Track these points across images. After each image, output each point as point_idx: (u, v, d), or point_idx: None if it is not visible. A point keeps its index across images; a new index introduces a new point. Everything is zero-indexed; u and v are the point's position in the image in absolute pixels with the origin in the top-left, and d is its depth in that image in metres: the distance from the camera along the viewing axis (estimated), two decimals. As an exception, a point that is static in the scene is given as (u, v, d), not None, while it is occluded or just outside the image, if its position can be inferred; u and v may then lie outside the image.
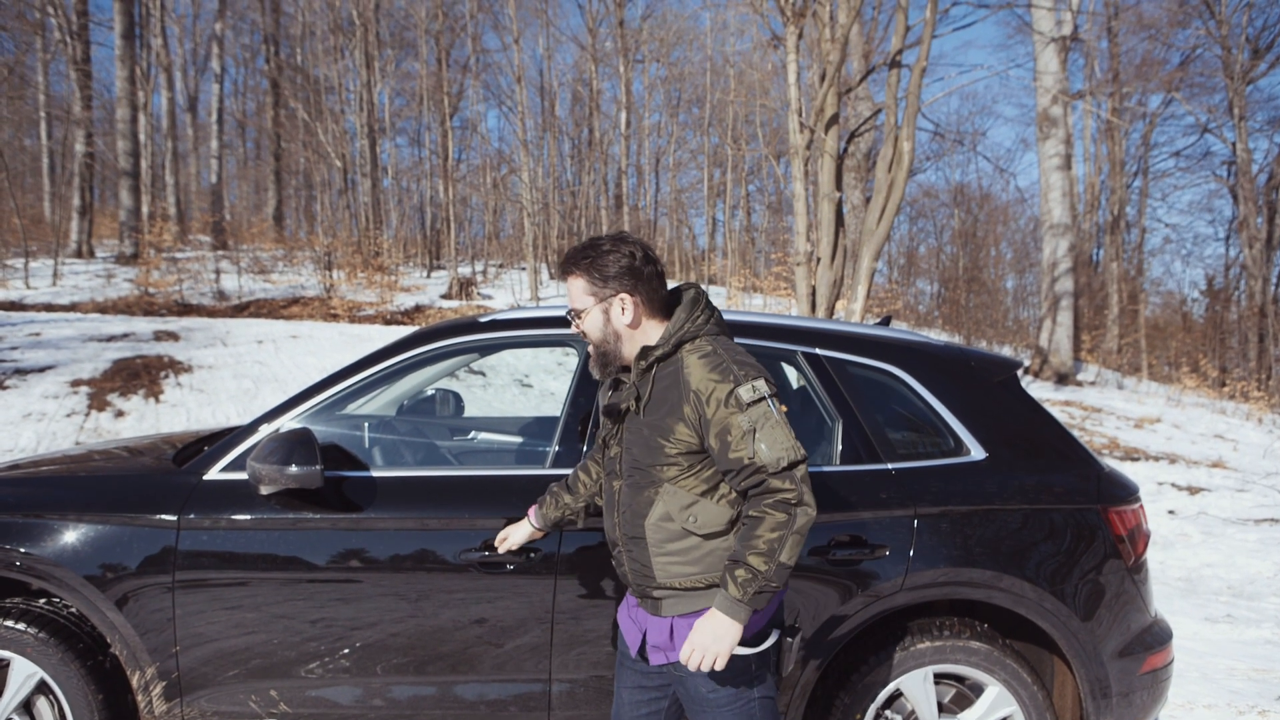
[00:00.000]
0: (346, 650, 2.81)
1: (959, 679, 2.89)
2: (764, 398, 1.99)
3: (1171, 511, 8.51)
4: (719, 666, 1.97)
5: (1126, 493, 2.98)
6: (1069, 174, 18.45)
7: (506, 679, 2.81)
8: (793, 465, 1.97)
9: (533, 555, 2.73)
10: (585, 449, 2.84)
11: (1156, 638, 2.94)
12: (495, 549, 2.65)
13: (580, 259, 2.16)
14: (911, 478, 2.87)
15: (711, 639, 1.97)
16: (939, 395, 3.02)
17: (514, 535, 2.58)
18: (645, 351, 2.11)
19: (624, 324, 2.15)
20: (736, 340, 3.03)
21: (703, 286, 2.37)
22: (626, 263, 2.13)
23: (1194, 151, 25.24)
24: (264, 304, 17.67)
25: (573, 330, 2.24)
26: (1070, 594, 2.81)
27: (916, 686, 2.82)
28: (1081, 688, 2.83)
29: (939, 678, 2.87)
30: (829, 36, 10.48)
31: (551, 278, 23.57)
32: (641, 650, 2.20)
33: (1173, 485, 9.51)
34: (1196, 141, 25.08)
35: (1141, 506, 3.02)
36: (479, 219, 30.56)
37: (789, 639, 2.17)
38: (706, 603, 2.07)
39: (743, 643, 2.05)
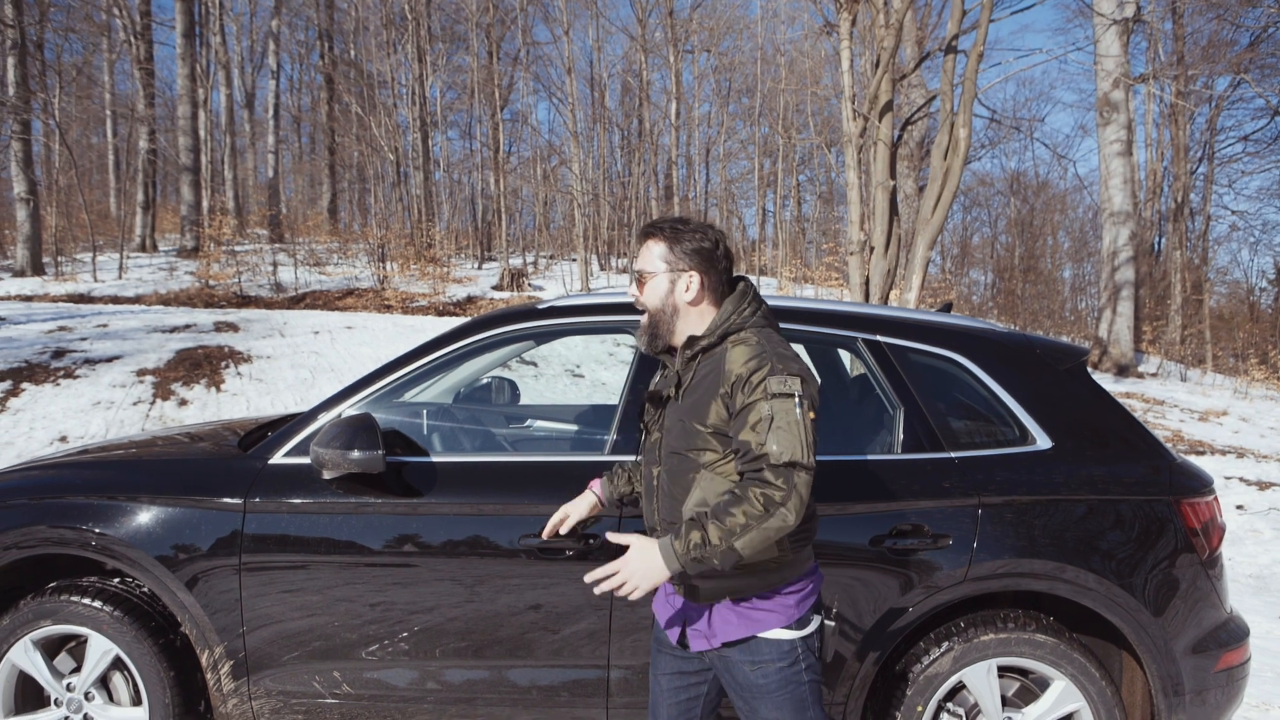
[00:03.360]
0: (405, 634, 2.85)
1: (1023, 672, 2.83)
2: (794, 395, 1.95)
3: (1240, 507, 8.26)
4: (633, 598, 1.97)
5: (1200, 484, 2.89)
6: (1130, 160, 17.95)
7: (563, 665, 2.82)
8: (793, 465, 1.92)
9: (592, 541, 2.73)
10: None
11: (1232, 634, 2.85)
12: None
13: (665, 226, 2.17)
14: (975, 467, 2.82)
15: (640, 571, 1.96)
16: (1003, 383, 2.96)
17: (575, 511, 2.47)
18: (691, 340, 2.12)
19: (685, 300, 2.15)
20: (797, 326, 3.03)
21: (751, 279, 2.34)
22: (708, 246, 2.15)
23: (1263, 135, 24.35)
24: (319, 295, 17.98)
25: (628, 295, 2.21)
26: (1140, 587, 2.73)
27: (980, 679, 2.77)
28: (1152, 684, 2.76)
29: (1003, 671, 2.82)
30: (883, 22, 10.31)
31: (602, 269, 23.62)
32: (681, 638, 2.19)
33: (1241, 480, 9.23)
34: (1267, 125, 24.13)
35: (1216, 499, 2.93)
36: (529, 210, 30.75)
37: (829, 623, 2.17)
38: (746, 589, 2.07)
39: (787, 627, 2.07)
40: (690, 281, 2.14)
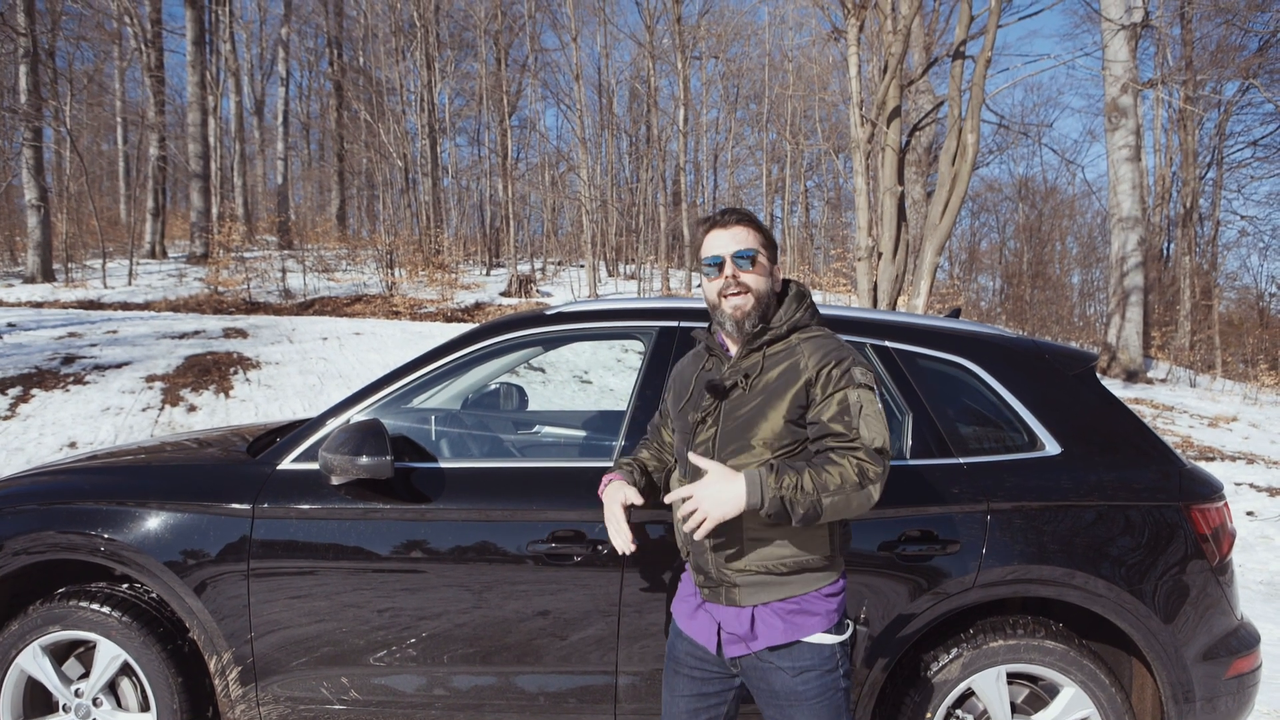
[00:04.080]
0: (413, 639, 2.85)
1: (1033, 679, 2.82)
2: (874, 387, 2.08)
3: (1251, 513, 8.21)
4: (701, 531, 1.95)
5: (1210, 490, 2.87)
6: (1139, 165, 17.90)
7: (571, 671, 2.82)
8: (883, 451, 2.01)
9: (600, 548, 2.73)
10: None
11: (1243, 641, 2.83)
12: (563, 540, 2.59)
13: (754, 218, 2.22)
14: (984, 472, 2.81)
15: (715, 498, 1.94)
16: (1012, 389, 2.95)
17: (628, 497, 2.25)
18: (762, 330, 2.15)
19: (773, 289, 2.20)
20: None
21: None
22: (776, 243, 2.25)
23: (1273, 141, 24.25)
24: (328, 302, 18.04)
25: (729, 272, 2.14)
26: (1150, 593, 2.72)
27: (989, 686, 2.76)
28: (1163, 691, 2.75)
29: (1012, 677, 2.80)
30: (891, 29, 10.32)
31: (610, 275, 23.64)
32: (718, 646, 2.16)
33: (1251, 486, 9.18)
34: (1276, 130, 24.07)
35: (1226, 505, 2.92)
36: (538, 217, 30.82)
37: (862, 629, 2.17)
38: (790, 591, 2.07)
39: (828, 631, 2.07)
40: (778, 270, 2.22)
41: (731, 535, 2.08)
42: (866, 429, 2.01)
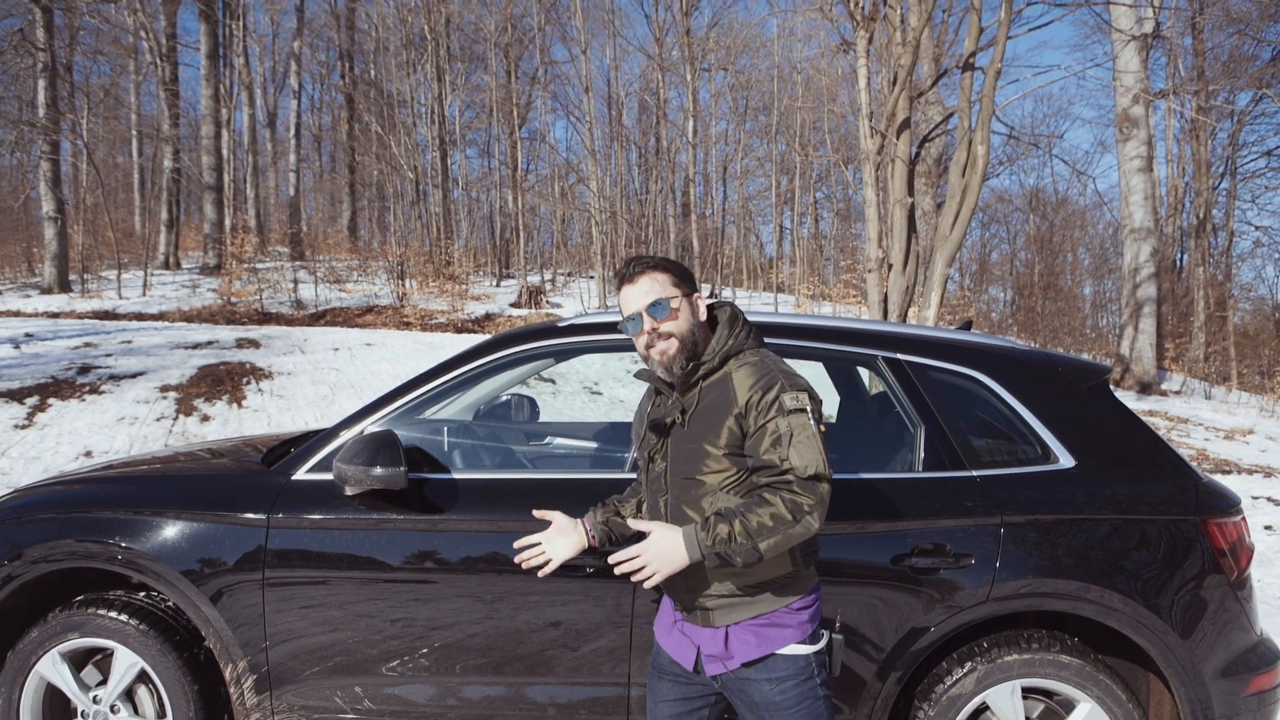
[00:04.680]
0: (425, 649, 2.86)
1: (1048, 694, 2.80)
2: (805, 409, 2.05)
3: (1268, 527, 8.14)
4: (649, 584, 2.04)
5: (1227, 504, 2.86)
6: (1151, 176, 17.85)
7: (583, 682, 2.82)
8: (818, 478, 2.01)
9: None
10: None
11: (1263, 657, 2.81)
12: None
13: (656, 260, 2.24)
14: (997, 485, 2.80)
15: (660, 558, 2.02)
16: (1025, 401, 2.94)
17: (559, 552, 2.29)
18: (695, 366, 2.17)
19: (699, 322, 2.22)
20: (817, 344, 3.04)
21: (731, 301, 2.38)
22: (689, 271, 2.28)
23: (1287, 151, 24.17)
24: (339, 312, 18.12)
25: (647, 327, 2.16)
26: (1167, 608, 2.70)
27: (1004, 701, 2.75)
28: (1181, 708, 2.73)
29: (1027, 692, 2.79)
30: (900, 40, 10.33)
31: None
32: (696, 664, 2.20)
33: (1269, 500, 9.10)
34: (1289, 141, 24.03)
35: (1244, 519, 2.90)
36: (547, 228, 30.92)
37: (837, 638, 2.19)
38: (760, 609, 2.11)
39: (801, 642, 2.11)
40: (698, 303, 2.24)
41: (694, 569, 2.10)
42: (798, 457, 2.00)
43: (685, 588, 2.16)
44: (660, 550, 2.03)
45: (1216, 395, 17.35)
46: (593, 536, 2.36)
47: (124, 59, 27.86)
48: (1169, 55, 23.52)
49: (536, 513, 2.38)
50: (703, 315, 2.23)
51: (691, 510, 2.14)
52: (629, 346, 3.20)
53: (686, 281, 2.22)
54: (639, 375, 2.35)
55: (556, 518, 2.35)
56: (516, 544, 2.36)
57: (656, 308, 2.16)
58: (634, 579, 2.05)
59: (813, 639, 2.15)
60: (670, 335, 2.16)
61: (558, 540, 2.32)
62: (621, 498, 2.46)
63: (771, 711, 2.11)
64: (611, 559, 2.09)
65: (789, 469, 2.00)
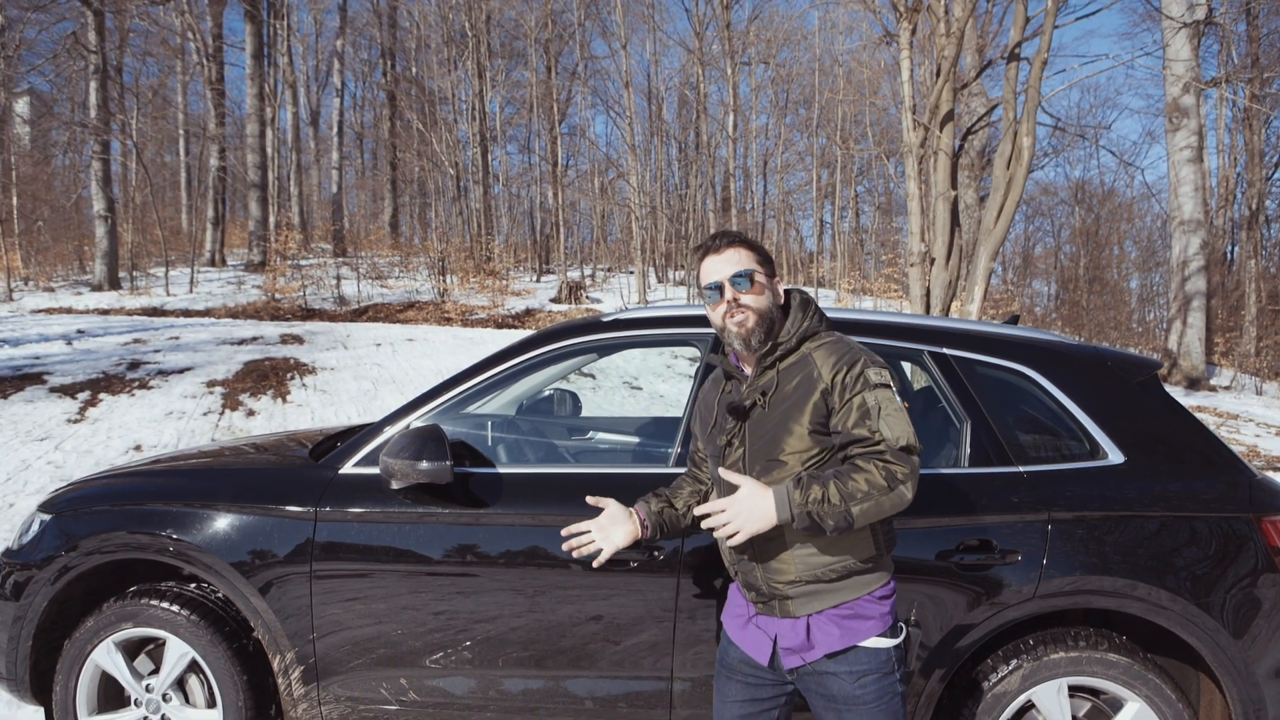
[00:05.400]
0: (468, 642, 2.89)
1: (1095, 693, 2.76)
2: (889, 384, 2.09)
3: (1322, 525, 7.94)
4: (733, 541, 2.01)
5: (1282, 501, 2.79)
6: (1201, 167, 17.44)
7: (624, 676, 2.83)
8: (909, 449, 2.03)
9: (656, 553, 2.74)
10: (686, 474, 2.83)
11: (1318, 658, 2.74)
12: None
13: (744, 236, 2.27)
14: (1045, 481, 2.76)
15: (747, 515, 2.00)
16: (1073, 396, 2.90)
17: (610, 540, 2.33)
18: (773, 346, 2.18)
19: (777, 304, 2.23)
20: (862, 339, 3.01)
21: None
22: (770, 255, 2.29)
23: (1344, 140, 23.49)
24: (381, 308, 18.33)
25: (728, 296, 2.17)
26: (1218, 607, 2.65)
27: (1050, 699, 2.71)
28: (1233, 709, 2.67)
29: (1074, 691, 2.75)
30: (944, 31, 10.20)
31: (659, 281, 23.67)
32: (773, 659, 2.17)
33: (1323, 497, 8.88)
34: (1346, 129, 23.32)
35: (1301, 516, 2.82)
36: (587, 223, 31.00)
37: (915, 630, 2.18)
38: (842, 597, 2.09)
39: (882, 635, 2.09)
40: (778, 286, 2.24)
41: (776, 548, 2.11)
42: (889, 429, 2.03)
43: (763, 575, 2.14)
44: (749, 507, 2.00)
45: (1268, 391, 16.92)
46: (646, 527, 2.36)
47: (171, 60, 28.42)
48: (1221, 42, 22.94)
49: (590, 499, 2.40)
50: (780, 299, 2.24)
51: (696, 509, 2.15)
52: (671, 341, 3.21)
53: (768, 264, 2.24)
54: (709, 360, 2.35)
55: (609, 505, 2.36)
56: (565, 531, 2.38)
57: (740, 279, 2.17)
58: (717, 534, 2.04)
59: (893, 631, 2.13)
60: (748, 309, 2.16)
61: (611, 529, 2.34)
62: (672, 489, 2.46)
63: (851, 706, 2.09)
64: (697, 510, 2.08)
65: (881, 440, 2.01)
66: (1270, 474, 9.45)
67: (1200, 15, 16.75)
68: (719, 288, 2.18)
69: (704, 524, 2.06)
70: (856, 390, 2.06)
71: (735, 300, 2.16)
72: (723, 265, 2.19)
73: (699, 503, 2.44)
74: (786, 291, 2.28)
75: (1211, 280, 18.50)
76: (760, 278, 2.19)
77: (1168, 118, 17.31)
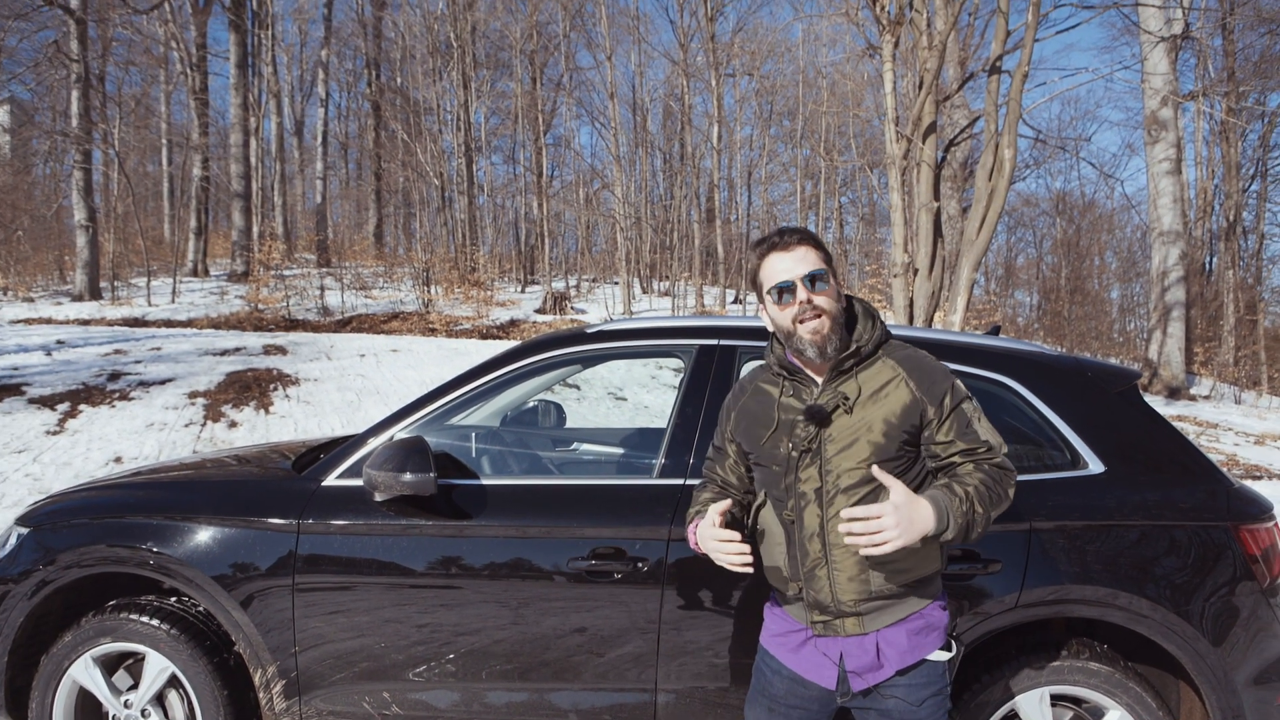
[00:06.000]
0: (452, 655, 2.88)
1: (1077, 701, 2.78)
2: (971, 395, 2.11)
3: (1301, 533, 8.01)
4: (880, 551, 1.86)
5: (1260, 510, 2.82)
6: (1179, 179, 17.65)
7: (608, 688, 2.82)
8: (1008, 455, 2.08)
9: (640, 565, 2.74)
10: (691, 460, 2.84)
11: (1296, 666, 2.77)
12: (603, 558, 2.60)
13: (811, 233, 2.12)
14: (1026, 491, 2.78)
15: (907, 523, 1.86)
16: (1054, 406, 2.92)
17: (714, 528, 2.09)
18: (855, 351, 2.08)
19: (841, 308, 2.12)
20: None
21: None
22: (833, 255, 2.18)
23: (1320, 153, 23.81)
24: (365, 319, 18.26)
25: (802, 297, 2.03)
26: (1197, 615, 2.67)
27: (1032, 708, 2.72)
28: (1212, 716, 2.69)
29: (1056, 699, 2.76)
30: (926, 44, 10.29)
31: (644, 292, 23.69)
32: (841, 683, 2.07)
33: (1301, 506, 8.97)
34: (1322, 142, 23.64)
35: (1277, 525, 2.86)
36: (572, 234, 31.00)
37: (963, 647, 2.17)
38: (910, 608, 2.05)
39: (942, 649, 2.08)
40: (842, 286, 2.15)
41: (856, 561, 2.02)
42: (991, 437, 2.05)
43: (837, 591, 2.04)
44: (908, 515, 1.86)
45: (1247, 400, 17.10)
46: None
47: (155, 69, 28.31)
48: (1198, 56, 23.24)
49: (717, 511, 2.10)
50: (844, 302, 2.13)
51: (850, 504, 1.99)
52: (656, 352, 3.22)
53: (831, 264, 2.11)
54: (768, 361, 2.19)
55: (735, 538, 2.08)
56: (726, 540, 2.06)
57: (815, 278, 2.04)
58: (860, 542, 1.87)
59: (948, 646, 2.08)
60: (823, 312, 2.03)
61: (707, 526, 2.11)
62: (719, 494, 2.28)
63: None
64: (845, 513, 1.90)
65: (992, 448, 2.03)
66: (1248, 482, 9.54)
67: (1177, 30, 16.98)
68: (790, 287, 2.04)
69: (852, 528, 1.87)
70: (956, 401, 2.05)
71: (809, 301, 2.02)
72: (794, 264, 2.04)
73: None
74: (847, 297, 2.18)
75: (1191, 291, 18.69)
76: (832, 279, 2.07)
77: (1147, 130, 17.52)
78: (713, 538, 2.07)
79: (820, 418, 2.05)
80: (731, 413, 2.27)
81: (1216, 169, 24.84)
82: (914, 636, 2.04)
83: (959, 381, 2.10)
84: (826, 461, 2.04)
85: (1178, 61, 17.80)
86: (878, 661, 2.04)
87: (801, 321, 2.04)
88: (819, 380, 2.11)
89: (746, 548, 2.04)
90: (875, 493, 2.00)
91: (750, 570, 2.05)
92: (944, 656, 2.06)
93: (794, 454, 2.07)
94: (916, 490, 2.02)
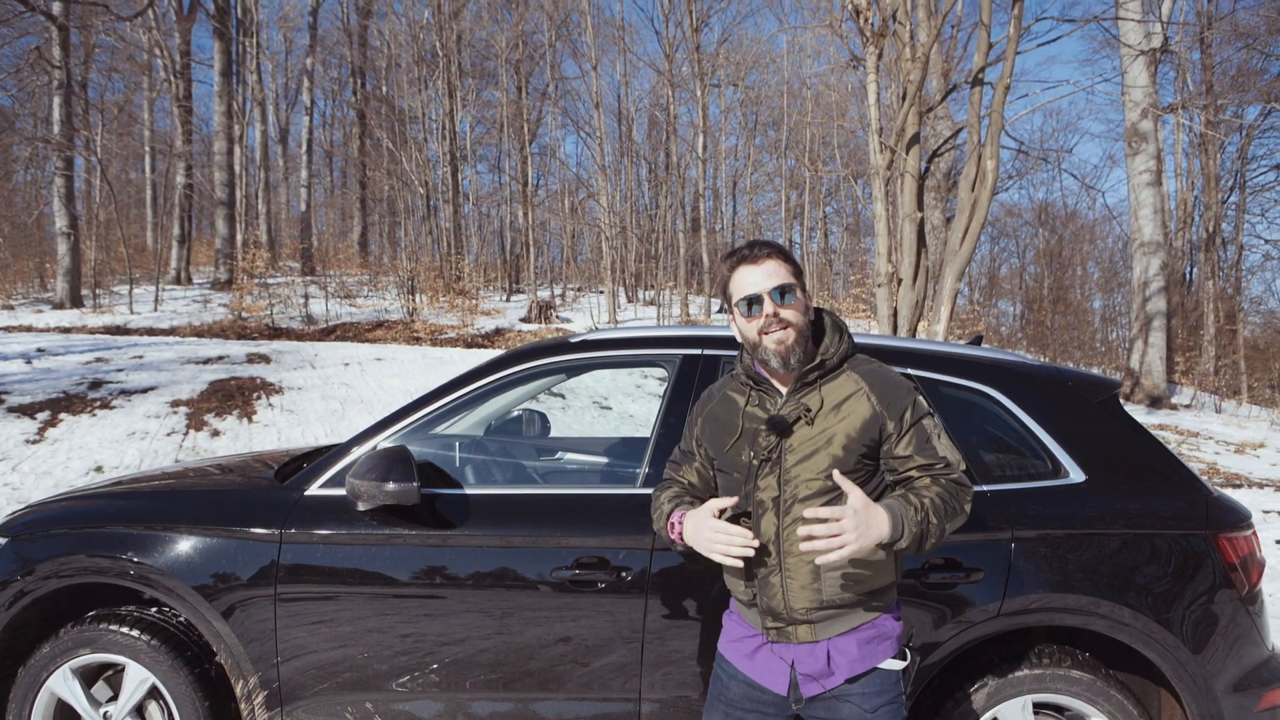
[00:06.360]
0: (436, 665, 2.86)
1: (1059, 709, 2.79)
2: (932, 411, 2.16)
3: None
4: (834, 558, 1.87)
5: (1238, 518, 2.85)
6: (1160, 190, 17.83)
7: (592, 698, 2.82)
8: (965, 472, 2.13)
9: (624, 575, 2.74)
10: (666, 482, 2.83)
11: (1275, 673, 2.79)
12: (587, 567, 2.62)
13: (780, 246, 2.16)
14: (1008, 500, 2.80)
15: (864, 528, 1.87)
16: (1035, 416, 2.94)
17: (711, 518, 2.09)
18: (819, 363, 2.12)
19: (809, 320, 2.16)
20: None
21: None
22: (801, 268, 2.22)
23: (1296, 165, 24.12)
24: (350, 327, 18.19)
25: (769, 310, 2.08)
26: (1178, 623, 2.69)
27: (1015, 716, 2.74)
28: (1192, 723, 2.71)
29: (1038, 708, 2.78)
30: (909, 56, 10.37)
31: (629, 301, 23.71)
32: (792, 687, 2.11)
33: (1280, 514, 9.04)
34: (1299, 154, 23.97)
35: (1255, 533, 2.89)
36: (557, 243, 31.01)
37: (916, 655, 2.18)
38: (862, 619, 2.08)
39: (895, 657, 2.10)
40: (809, 299, 2.18)
41: (810, 570, 2.05)
42: (949, 453, 2.08)
43: (789, 599, 2.07)
44: (866, 520, 1.88)
45: (1227, 409, 17.25)
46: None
47: (138, 76, 28.15)
48: (1177, 70, 23.53)
49: (724, 516, 2.12)
50: (812, 316, 2.17)
51: (807, 511, 1.97)
52: (640, 362, 3.22)
53: (802, 277, 2.16)
54: (737, 370, 2.22)
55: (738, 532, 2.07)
56: (724, 529, 2.05)
57: (783, 291, 2.09)
58: (818, 546, 1.87)
59: (901, 655, 2.12)
60: (788, 325, 2.08)
61: (702, 514, 2.11)
62: (674, 497, 2.29)
63: None
64: (809, 513, 1.90)
65: (951, 463, 2.07)
66: (1229, 491, 9.63)
67: (1157, 44, 17.18)
68: (758, 300, 2.09)
69: (808, 529, 1.88)
70: (917, 416, 2.09)
71: (776, 314, 2.08)
72: (762, 277, 2.09)
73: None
74: (816, 310, 2.22)
75: (1171, 300, 18.88)
76: (799, 293, 2.11)
77: (1127, 142, 17.70)
78: (712, 529, 2.05)
79: (781, 428, 2.09)
80: (699, 418, 2.31)
81: (1196, 180, 25.12)
82: (865, 645, 2.08)
83: (921, 398, 2.12)
84: (786, 471, 2.08)
85: (1157, 75, 18.01)
86: (828, 669, 2.07)
87: (767, 333, 2.09)
88: (784, 391, 2.15)
89: (749, 533, 2.03)
90: (832, 503, 2.04)
91: (750, 553, 2.03)
92: (897, 665, 2.09)
93: (754, 462, 2.12)
94: (877, 502, 2.01)
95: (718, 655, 2.28)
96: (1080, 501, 2.81)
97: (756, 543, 2.03)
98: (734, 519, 2.14)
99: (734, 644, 2.22)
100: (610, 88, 29.60)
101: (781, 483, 2.08)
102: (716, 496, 2.24)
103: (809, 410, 2.09)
